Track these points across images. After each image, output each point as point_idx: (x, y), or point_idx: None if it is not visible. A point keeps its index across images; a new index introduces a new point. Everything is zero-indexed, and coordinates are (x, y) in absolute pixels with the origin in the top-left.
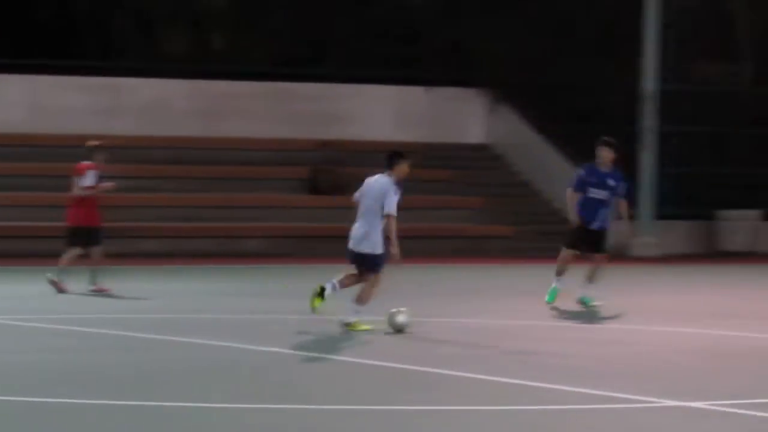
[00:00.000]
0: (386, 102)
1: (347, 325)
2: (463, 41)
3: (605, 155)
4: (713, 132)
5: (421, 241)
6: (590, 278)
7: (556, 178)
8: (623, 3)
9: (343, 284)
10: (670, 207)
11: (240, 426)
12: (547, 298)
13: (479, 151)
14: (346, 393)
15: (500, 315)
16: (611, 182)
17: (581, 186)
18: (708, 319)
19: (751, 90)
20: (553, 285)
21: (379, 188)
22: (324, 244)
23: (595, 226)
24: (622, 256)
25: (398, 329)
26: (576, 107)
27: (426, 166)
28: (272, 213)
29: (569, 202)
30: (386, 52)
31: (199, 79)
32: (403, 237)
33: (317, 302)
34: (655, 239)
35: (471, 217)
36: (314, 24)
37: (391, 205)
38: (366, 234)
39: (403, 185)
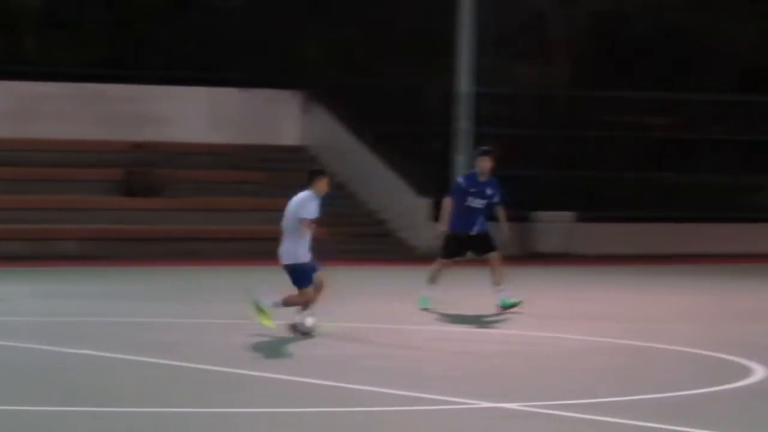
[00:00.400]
0: (200, 104)
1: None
2: (278, 42)
3: (484, 165)
4: (528, 134)
5: (236, 243)
6: (496, 281)
7: (372, 180)
8: (438, 4)
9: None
10: None
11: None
12: (420, 304)
13: (294, 152)
14: (158, 395)
15: (317, 316)
16: (489, 191)
17: (461, 195)
18: (525, 321)
19: (565, 92)
20: (425, 294)
21: (297, 202)
22: (138, 246)
23: (475, 230)
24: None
25: (306, 333)
26: (392, 109)
27: (240, 168)
28: (86, 215)
29: (444, 211)
30: (200, 54)
31: (10, 80)
32: (217, 239)
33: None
34: None
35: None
36: (128, 26)
37: (309, 212)
38: (290, 248)
39: (216, 189)
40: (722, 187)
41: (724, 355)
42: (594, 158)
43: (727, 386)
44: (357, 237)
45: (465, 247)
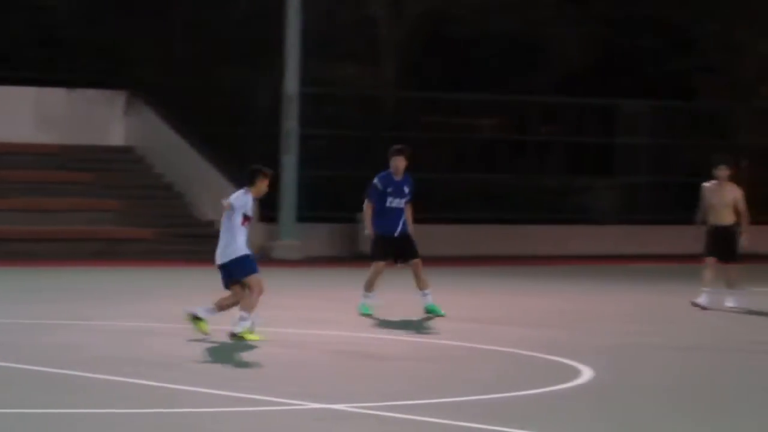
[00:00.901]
0: (26, 103)
1: (234, 335)
2: (104, 42)
3: (399, 164)
4: (355, 135)
5: (60, 244)
6: (423, 285)
7: (199, 181)
8: (265, 3)
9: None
10: (312, 209)
11: None
12: (363, 311)
13: (121, 153)
14: None
15: (144, 318)
16: (406, 189)
17: (379, 196)
18: (354, 323)
19: (393, 93)
20: (363, 301)
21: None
22: None
23: (398, 233)
24: (263, 258)
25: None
26: (220, 109)
27: (67, 169)
28: None
29: (366, 215)
30: (27, 53)
31: None
32: (41, 240)
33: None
34: (297, 242)
35: (110, 219)
36: None
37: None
38: (225, 246)
39: (42, 189)
40: (550, 189)
41: (551, 357)
42: (421, 159)
43: (553, 387)
44: (184, 238)
45: (390, 249)
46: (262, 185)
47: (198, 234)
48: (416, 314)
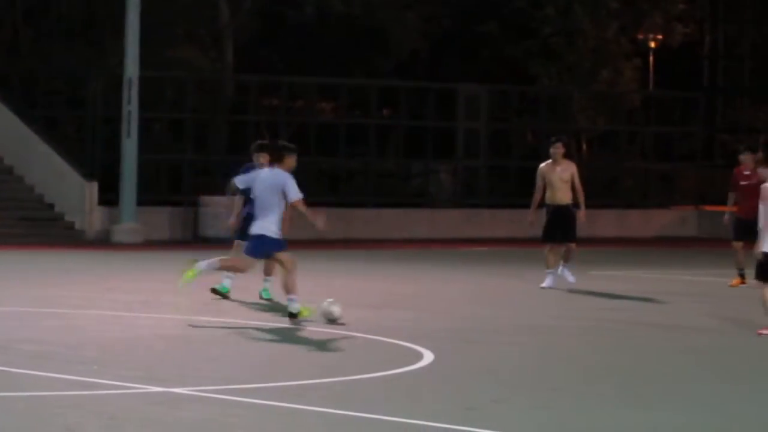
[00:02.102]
0: None
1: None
2: None
3: (263, 159)
4: (195, 118)
5: None
6: (268, 272)
7: (39, 164)
8: None
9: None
10: (152, 193)
11: None
12: (264, 295)
13: None
14: None
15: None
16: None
17: (244, 189)
18: (197, 306)
19: (233, 77)
20: (265, 285)
21: (274, 180)
22: None
23: None
24: (103, 242)
25: (332, 319)
26: (61, 93)
27: None
28: None
29: (235, 208)
30: None
31: None
32: None
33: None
34: (137, 225)
35: None
36: None
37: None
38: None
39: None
40: (390, 173)
41: (392, 340)
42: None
43: (395, 370)
44: (24, 221)
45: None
46: (291, 161)
47: (39, 218)
48: (258, 299)
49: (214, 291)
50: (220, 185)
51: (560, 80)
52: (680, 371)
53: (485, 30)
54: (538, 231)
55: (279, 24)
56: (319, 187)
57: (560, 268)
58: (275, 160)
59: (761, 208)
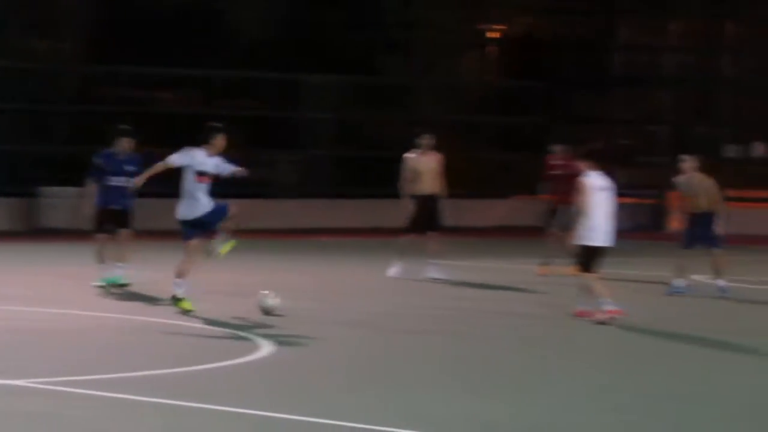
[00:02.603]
0: None
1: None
2: None
3: (126, 144)
4: (34, 109)
5: None
6: (119, 258)
7: None
8: None
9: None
10: None
11: None
12: (109, 282)
13: None
14: None
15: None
16: (130, 168)
17: (101, 174)
18: (33, 297)
19: (73, 67)
20: (107, 275)
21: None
22: None
23: (118, 205)
24: None
25: (268, 311)
26: None
27: None
28: None
29: (88, 191)
30: None
31: None
32: None
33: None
34: None
35: None
36: None
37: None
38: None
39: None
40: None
41: (231, 331)
42: (105, 133)
43: (233, 361)
44: None
45: (107, 221)
46: (220, 141)
47: None
48: (91, 292)
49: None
50: (60, 176)
51: (404, 71)
52: (517, 360)
53: (330, 20)
54: (391, 221)
55: (123, 13)
56: (168, 178)
57: (430, 266)
58: (204, 142)
59: (582, 199)
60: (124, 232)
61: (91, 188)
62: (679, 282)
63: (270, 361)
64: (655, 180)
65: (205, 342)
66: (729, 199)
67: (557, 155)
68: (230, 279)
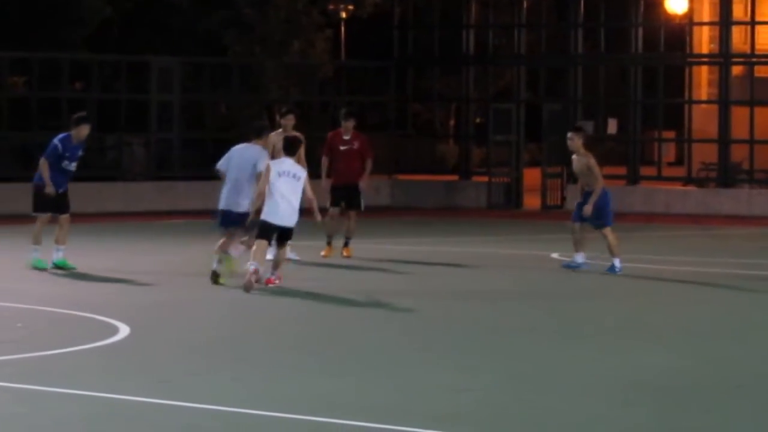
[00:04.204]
0: None
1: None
2: None
3: (83, 132)
4: None
5: None
6: (60, 240)
7: None
8: None
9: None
10: None
11: None
12: (36, 265)
13: None
14: None
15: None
16: (80, 153)
17: (58, 158)
18: None
19: None
20: (33, 255)
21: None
22: None
23: (62, 189)
24: None
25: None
26: None
27: None
28: None
29: (44, 171)
30: None
31: None
32: None
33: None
34: None
35: None
36: None
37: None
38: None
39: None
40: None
41: (87, 314)
42: None
43: (90, 345)
44: None
45: (54, 203)
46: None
47: None
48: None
49: None
50: None
51: (253, 52)
52: (366, 339)
53: (176, 1)
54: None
55: None
56: (15, 162)
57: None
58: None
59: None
60: (66, 215)
61: (47, 167)
62: (578, 257)
63: (128, 343)
64: (507, 158)
65: (61, 325)
66: None
67: (346, 129)
68: (79, 263)
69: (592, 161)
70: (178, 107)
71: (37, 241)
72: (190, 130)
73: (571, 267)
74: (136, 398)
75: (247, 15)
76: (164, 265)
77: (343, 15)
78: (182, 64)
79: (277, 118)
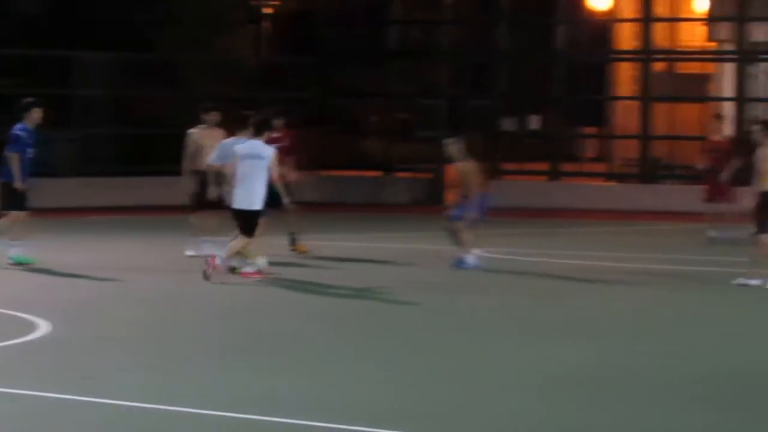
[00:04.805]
0: None
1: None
2: None
3: (35, 114)
4: None
5: None
6: (12, 237)
7: None
8: None
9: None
10: None
11: None
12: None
13: None
14: None
15: None
16: (35, 140)
17: (22, 147)
18: None
19: None
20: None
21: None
22: None
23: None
24: None
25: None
26: None
27: None
28: None
29: (15, 166)
30: None
31: None
32: None
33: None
34: None
35: None
36: None
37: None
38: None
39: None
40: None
41: (5, 311)
42: None
43: (9, 342)
44: None
45: (23, 197)
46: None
47: None
48: None
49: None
50: None
51: (177, 47)
52: (302, 337)
53: None
54: (167, 198)
55: None
56: None
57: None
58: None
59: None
60: (12, 213)
61: (17, 160)
62: (469, 257)
63: (49, 340)
64: (432, 154)
65: None
66: (505, 172)
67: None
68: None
69: (468, 168)
70: (104, 103)
71: (16, 237)
72: (115, 126)
73: (462, 267)
74: (58, 395)
75: (172, 10)
76: (89, 261)
77: (269, 10)
78: (106, 58)
79: (201, 114)
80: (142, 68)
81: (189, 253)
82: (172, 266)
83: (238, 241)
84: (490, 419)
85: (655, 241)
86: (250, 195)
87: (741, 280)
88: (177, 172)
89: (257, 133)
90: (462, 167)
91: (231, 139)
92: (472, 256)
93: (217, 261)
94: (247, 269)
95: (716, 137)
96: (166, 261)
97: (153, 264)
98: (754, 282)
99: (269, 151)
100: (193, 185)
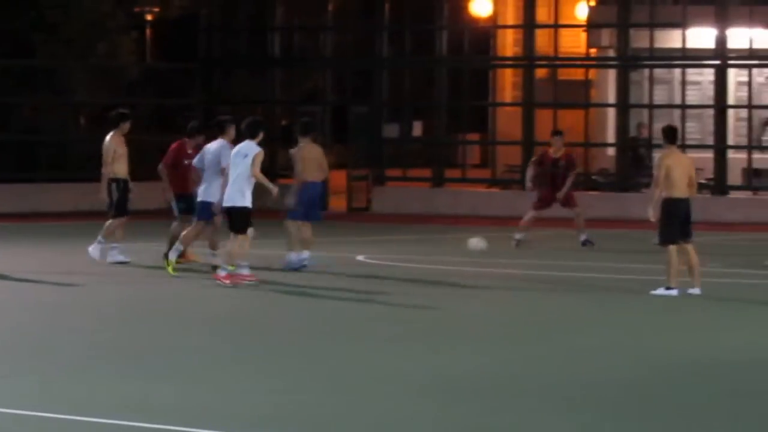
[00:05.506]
0: None
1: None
2: None
3: None
4: None
5: None
6: None
7: None
8: None
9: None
10: None
11: None
12: None
13: None
14: None
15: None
16: None
17: None
18: None
19: None
20: None
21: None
22: None
23: None
24: None
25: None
26: None
27: None
28: None
29: None
30: None
31: None
32: None
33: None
34: None
35: None
36: None
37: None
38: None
39: None
40: None
41: None
42: None
43: None
44: None
45: None
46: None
47: None
48: None
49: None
50: None
51: (58, 54)
52: (192, 344)
53: None
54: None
55: None
56: None
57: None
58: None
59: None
60: None
61: None
62: (297, 256)
63: None
64: None
65: None
66: (389, 178)
67: (191, 141)
68: None
69: (298, 155)
70: None
71: None
72: None
73: (295, 268)
74: None
75: (53, 16)
76: None
77: (149, 17)
78: None
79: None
80: (22, 75)
81: (93, 254)
82: (55, 271)
83: (233, 242)
84: (365, 425)
85: (532, 247)
86: (235, 192)
87: (660, 291)
88: (58, 179)
89: (252, 134)
90: (295, 153)
91: (215, 143)
92: (296, 255)
93: (222, 273)
94: (243, 271)
95: (557, 153)
96: (50, 266)
97: (37, 269)
98: (673, 292)
99: (254, 151)
100: (113, 192)
